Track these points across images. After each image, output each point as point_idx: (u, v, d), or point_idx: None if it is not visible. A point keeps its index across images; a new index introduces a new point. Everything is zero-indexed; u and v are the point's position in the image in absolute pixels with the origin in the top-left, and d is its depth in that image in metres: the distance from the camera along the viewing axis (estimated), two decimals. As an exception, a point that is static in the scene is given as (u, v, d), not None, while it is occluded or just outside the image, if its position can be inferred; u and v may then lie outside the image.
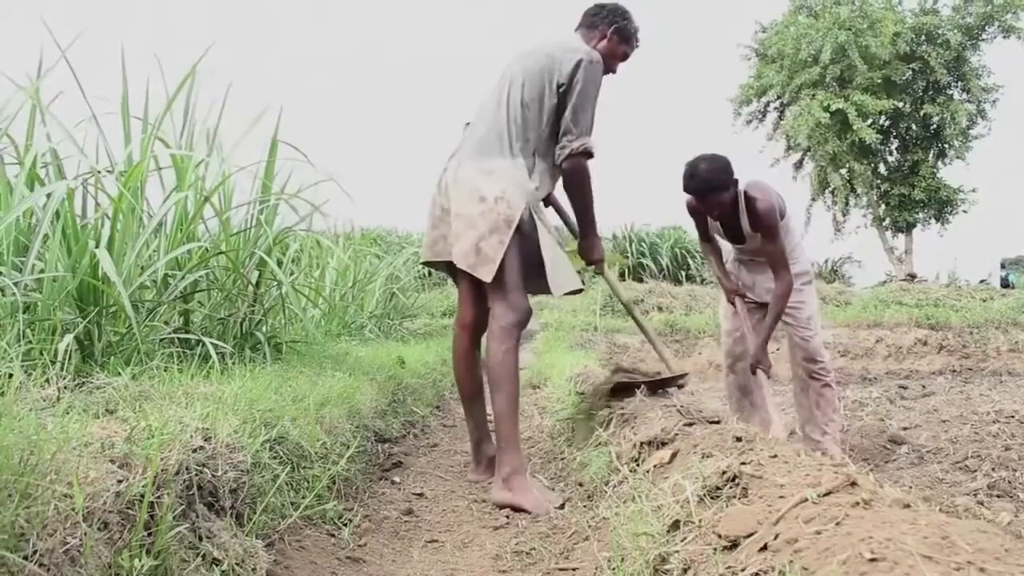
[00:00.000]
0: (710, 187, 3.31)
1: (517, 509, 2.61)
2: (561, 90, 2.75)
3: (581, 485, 2.65)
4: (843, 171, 21.54)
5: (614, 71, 3.08)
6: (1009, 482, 3.04)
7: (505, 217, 2.69)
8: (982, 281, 20.00)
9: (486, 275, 2.71)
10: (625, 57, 3.08)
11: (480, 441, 3.09)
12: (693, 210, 3.61)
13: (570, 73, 2.73)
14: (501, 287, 2.74)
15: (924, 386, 6.80)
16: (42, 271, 2.29)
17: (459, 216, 2.77)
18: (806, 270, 3.73)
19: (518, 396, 2.81)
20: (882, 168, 22.26)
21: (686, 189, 3.38)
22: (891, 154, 22.45)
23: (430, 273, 10.02)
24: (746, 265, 3.79)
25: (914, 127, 21.63)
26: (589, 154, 2.78)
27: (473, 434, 3.12)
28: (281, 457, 2.06)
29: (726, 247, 3.83)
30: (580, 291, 2.93)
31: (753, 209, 3.41)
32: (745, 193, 3.43)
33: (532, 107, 2.78)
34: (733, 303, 3.77)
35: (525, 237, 2.75)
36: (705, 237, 3.79)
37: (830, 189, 22.18)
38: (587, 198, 2.89)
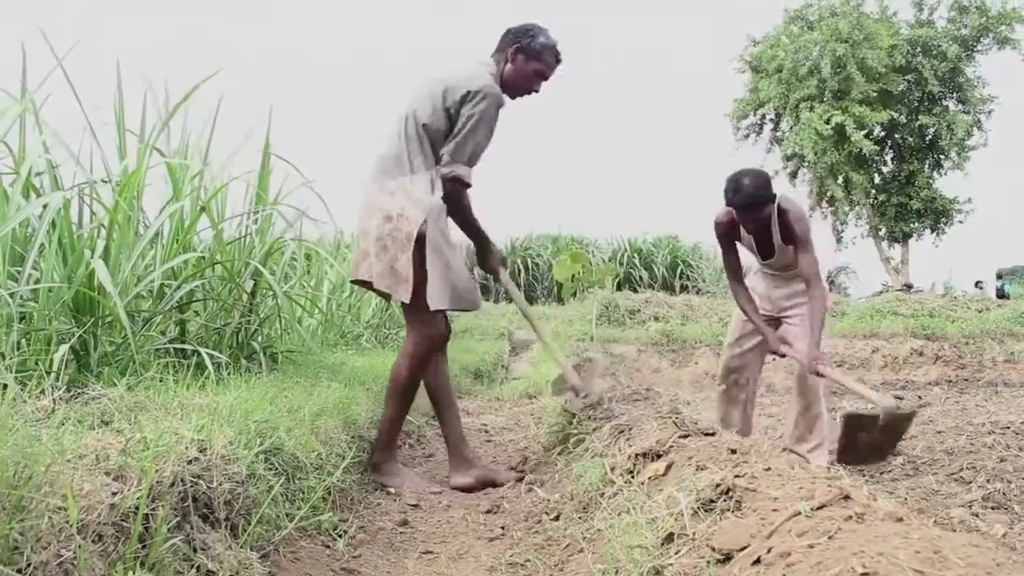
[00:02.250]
0: (754, 201, 3.27)
1: (383, 486, 2.97)
2: (450, 113, 2.92)
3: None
4: (839, 182, 21.58)
5: (536, 90, 3.12)
6: (1004, 494, 3.03)
7: (406, 233, 2.87)
8: (977, 284, 20.04)
9: (404, 295, 2.88)
10: (541, 75, 3.08)
11: (457, 445, 3.15)
12: (722, 234, 3.55)
13: (457, 103, 2.90)
14: (413, 309, 2.94)
15: (920, 396, 6.79)
16: (38, 281, 2.29)
17: (368, 234, 2.96)
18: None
19: (404, 413, 3.12)
20: (878, 179, 22.33)
21: (730, 203, 3.33)
22: (886, 165, 22.53)
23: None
24: (767, 278, 3.75)
25: (910, 138, 21.71)
26: (461, 182, 2.96)
27: (448, 439, 3.19)
28: (276, 468, 2.06)
29: (749, 260, 3.80)
30: (468, 309, 3.17)
31: (786, 221, 3.36)
32: (778, 206, 3.39)
33: (430, 128, 2.95)
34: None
35: (435, 251, 2.89)
36: (735, 272, 3.66)
37: (827, 198, 22.22)
38: (464, 218, 3.11)
